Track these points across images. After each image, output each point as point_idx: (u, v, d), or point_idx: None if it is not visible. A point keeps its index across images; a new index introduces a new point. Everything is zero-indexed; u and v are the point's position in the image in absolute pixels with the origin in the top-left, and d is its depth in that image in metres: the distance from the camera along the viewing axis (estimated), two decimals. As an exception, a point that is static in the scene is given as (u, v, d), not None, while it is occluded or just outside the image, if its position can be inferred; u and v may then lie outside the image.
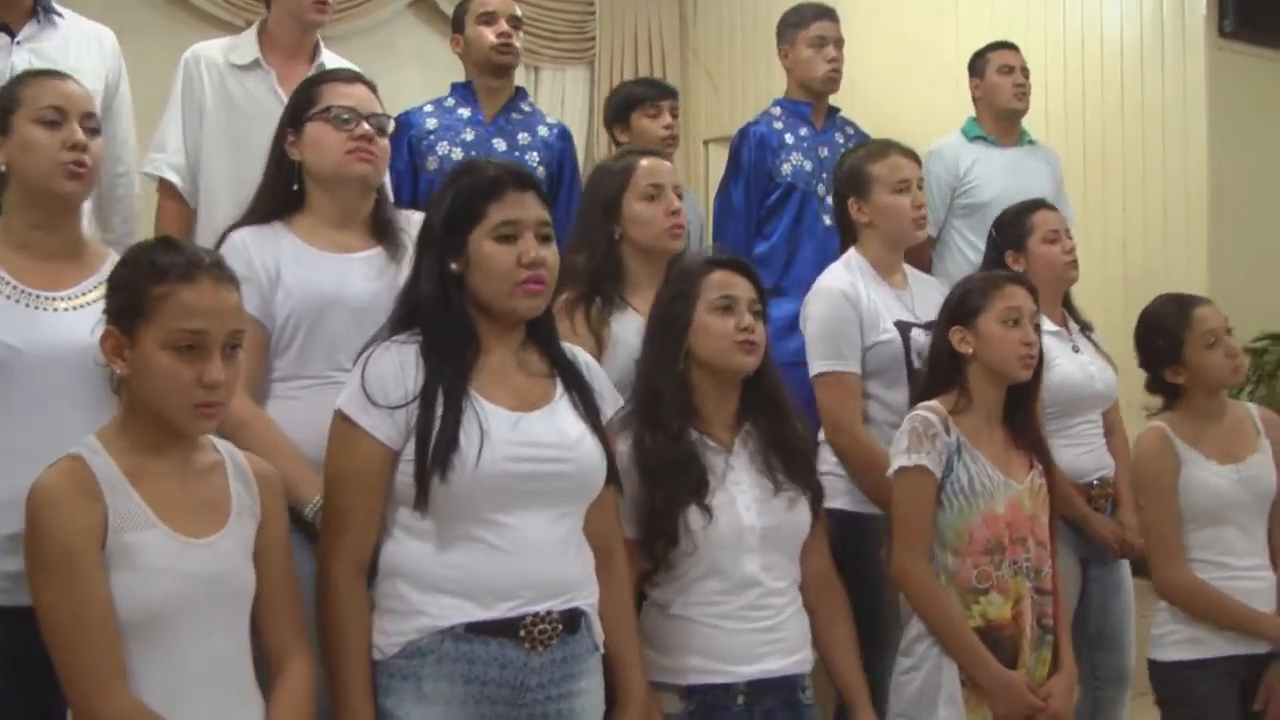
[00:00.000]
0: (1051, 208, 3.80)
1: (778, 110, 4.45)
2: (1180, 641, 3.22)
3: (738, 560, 2.64)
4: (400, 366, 2.32)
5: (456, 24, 4.27)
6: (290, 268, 2.71)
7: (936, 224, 4.51)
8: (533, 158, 4.11)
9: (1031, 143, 4.79)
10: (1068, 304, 3.79)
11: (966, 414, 2.99)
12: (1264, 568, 3.26)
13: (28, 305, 2.46)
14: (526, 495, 2.30)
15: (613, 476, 2.46)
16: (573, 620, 2.34)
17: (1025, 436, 3.03)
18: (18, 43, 3.47)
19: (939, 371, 3.06)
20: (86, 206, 3.55)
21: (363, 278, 2.74)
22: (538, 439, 2.33)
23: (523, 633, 2.28)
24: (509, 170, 2.43)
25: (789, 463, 2.73)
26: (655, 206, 3.17)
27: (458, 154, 4.04)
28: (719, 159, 4.72)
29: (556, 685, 2.31)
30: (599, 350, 3.00)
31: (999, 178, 4.57)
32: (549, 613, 2.30)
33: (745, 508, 2.66)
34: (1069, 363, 3.53)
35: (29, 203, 2.51)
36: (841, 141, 4.44)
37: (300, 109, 2.82)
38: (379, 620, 2.31)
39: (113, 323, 2.14)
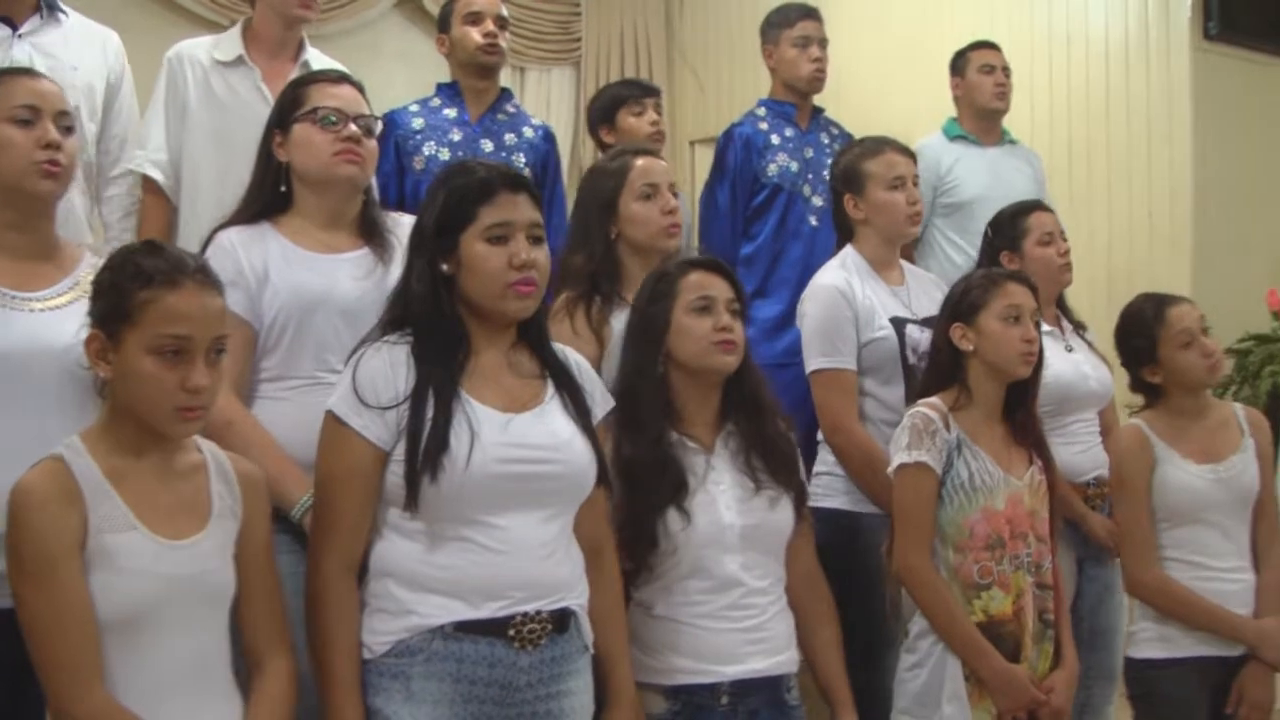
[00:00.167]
0: (1048, 209, 3.81)
1: (763, 111, 4.45)
2: (1151, 639, 3.24)
3: (719, 560, 2.65)
4: (391, 367, 2.33)
5: (442, 24, 4.27)
6: (278, 268, 2.71)
7: None
8: (519, 159, 4.12)
9: (1013, 142, 4.80)
10: (1061, 304, 3.81)
11: (967, 410, 3.01)
12: (1243, 569, 3.25)
13: (2, 306, 2.45)
14: (516, 496, 2.31)
15: (603, 477, 2.46)
16: (562, 620, 2.34)
17: (1025, 433, 3.05)
18: (19, 36, 3.48)
19: (940, 368, 3.08)
20: (82, 205, 3.59)
21: (350, 278, 2.74)
22: (528, 440, 2.33)
23: (512, 632, 2.28)
24: (501, 172, 2.43)
25: (771, 462, 2.74)
26: (651, 205, 3.20)
27: (445, 154, 4.04)
28: (705, 160, 4.73)
29: (545, 685, 2.32)
30: (600, 349, 3.01)
31: (980, 177, 4.58)
32: (538, 613, 2.30)
33: (726, 507, 2.67)
34: (1062, 362, 3.54)
35: (2, 203, 2.50)
36: (826, 142, 4.44)
37: (287, 110, 2.81)
38: (369, 620, 2.32)
39: (97, 326, 2.14)
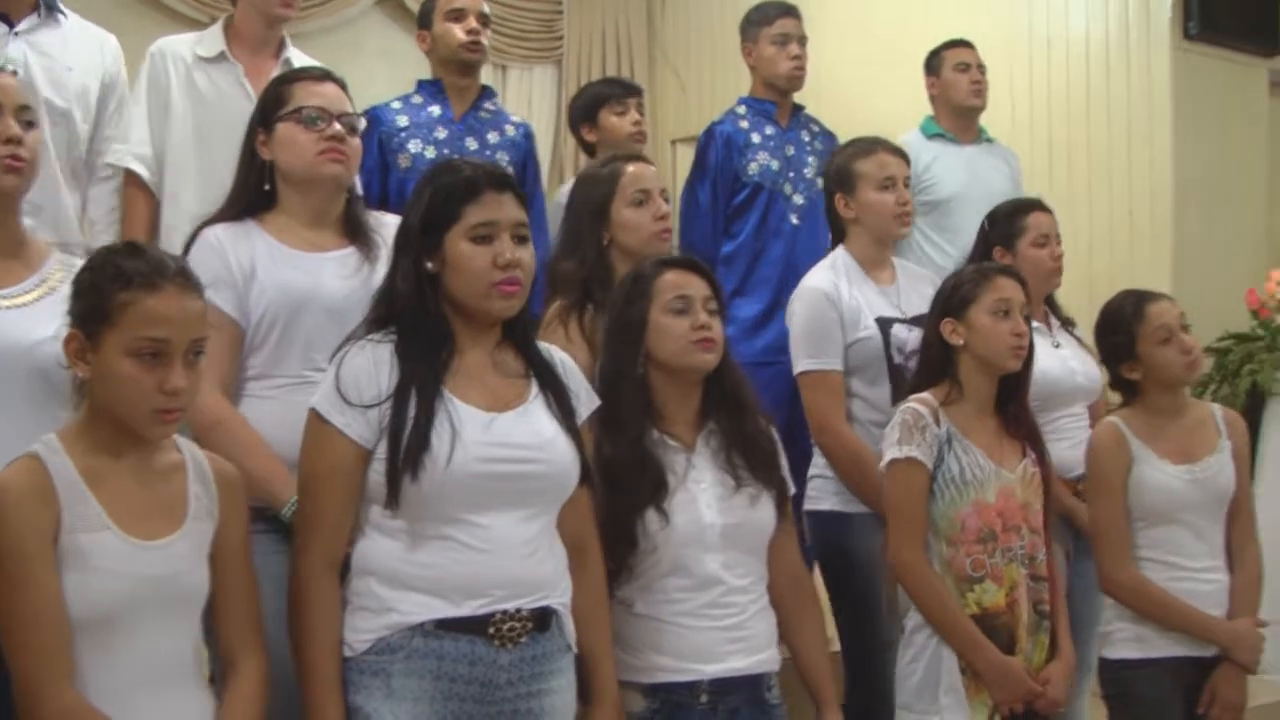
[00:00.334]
0: (1046, 210, 3.82)
1: (743, 109, 4.45)
2: (1126, 640, 3.23)
3: (699, 558, 2.65)
4: (374, 365, 2.33)
5: (423, 21, 4.25)
6: (265, 266, 2.70)
7: None
8: (502, 157, 4.11)
9: (990, 141, 4.81)
10: (1050, 301, 3.83)
11: (958, 405, 3.03)
12: (1217, 569, 3.26)
13: None
14: (498, 495, 2.31)
15: (586, 476, 2.46)
16: (543, 619, 2.34)
17: (1018, 426, 3.07)
18: (15, 34, 3.50)
19: (931, 363, 3.10)
20: (72, 203, 3.59)
21: (337, 277, 2.73)
22: (510, 439, 2.33)
23: (492, 630, 2.28)
24: (486, 171, 2.43)
25: (752, 460, 2.74)
26: (643, 212, 3.22)
27: (431, 152, 4.03)
28: (687, 159, 4.73)
29: (526, 683, 2.32)
30: (593, 357, 3.01)
31: (958, 175, 4.59)
32: (518, 611, 2.30)
33: (706, 506, 2.67)
34: (1048, 358, 3.54)
35: None
36: (807, 140, 4.45)
37: (270, 108, 2.80)
38: (350, 618, 2.31)
39: (76, 326, 2.13)
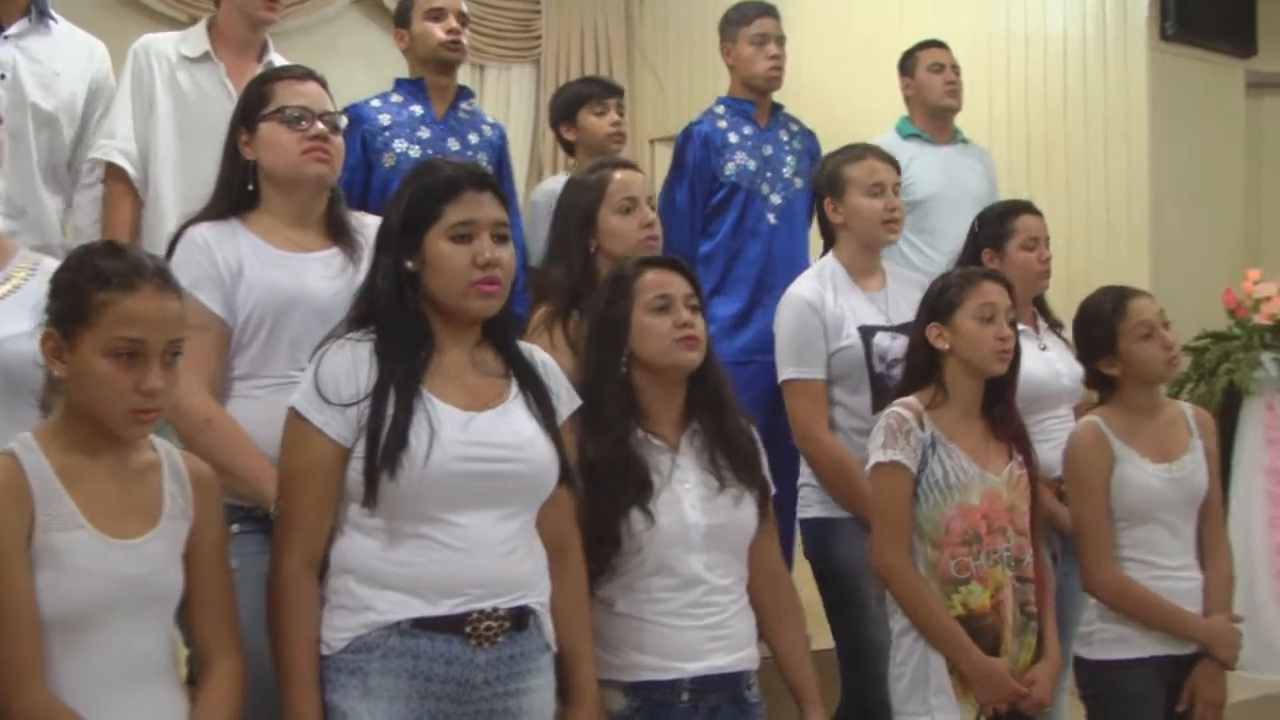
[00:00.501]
0: (1036, 212, 3.83)
1: (721, 109, 4.45)
2: (1108, 640, 3.24)
3: (683, 558, 2.65)
4: (353, 364, 2.32)
5: (401, 19, 4.23)
6: (252, 266, 2.69)
7: None
8: (482, 158, 4.10)
9: (965, 141, 4.82)
10: (1039, 302, 3.85)
11: (944, 408, 3.04)
12: (1192, 568, 3.28)
13: None
14: (476, 494, 2.31)
15: (566, 476, 2.45)
16: (521, 618, 2.34)
17: (1005, 429, 3.08)
18: (5, 37, 3.51)
19: (917, 367, 3.11)
20: (54, 206, 3.58)
21: (322, 277, 2.72)
22: (489, 439, 2.33)
23: (468, 629, 2.28)
24: (467, 171, 2.43)
25: (734, 460, 2.74)
26: (630, 219, 3.23)
27: (415, 152, 4.01)
28: (665, 158, 4.73)
29: (504, 683, 2.31)
30: (577, 362, 3.01)
31: (934, 176, 4.60)
32: (496, 610, 2.30)
33: (691, 506, 2.67)
34: (1034, 360, 3.54)
35: None
36: (785, 139, 4.44)
37: (253, 108, 2.79)
38: (328, 616, 2.31)
39: (53, 325, 2.13)
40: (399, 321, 2.36)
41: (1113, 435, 3.27)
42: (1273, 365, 5.32)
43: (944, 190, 4.53)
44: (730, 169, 4.32)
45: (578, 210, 3.26)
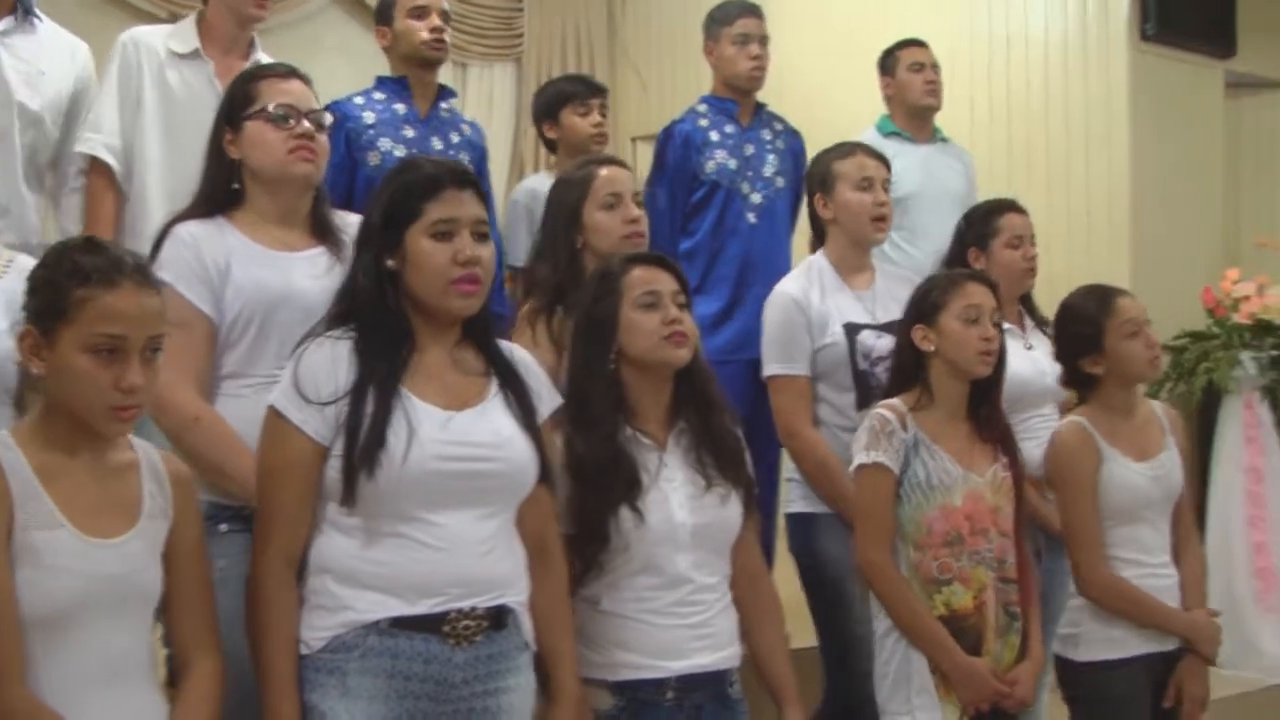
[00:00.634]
0: (1021, 211, 3.85)
1: (704, 107, 4.45)
2: (1098, 641, 3.24)
3: (670, 557, 2.65)
4: (333, 362, 2.32)
5: (382, 17, 4.22)
6: (241, 264, 2.68)
7: None
8: (464, 157, 4.09)
9: (944, 140, 4.82)
10: (1026, 301, 3.86)
11: (929, 410, 3.05)
12: (1170, 564, 3.30)
13: None
14: (454, 493, 2.30)
15: (546, 475, 2.45)
16: (499, 618, 2.33)
17: (991, 430, 3.09)
18: None
19: (903, 369, 3.12)
20: (37, 205, 3.57)
21: (309, 276, 2.71)
22: (468, 438, 2.33)
23: (447, 628, 2.28)
24: (448, 168, 2.43)
25: (720, 459, 2.74)
26: (614, 215, 3.24)
27: (400, 151, 4.00)
28: (647, 157, 4.73)
29: (482, 682, 2.31)
30: (559, 359, 3.01)
31: (914, 174, 4.60)
32: (474, 609, 2.30)
33: (678, 505, 2.67)
34: (1019, 359, 3.54)
35: None
36: (769, 138, 4.44)
37: (237, 106, 2.78)
38: (307, 616, 2.31)
39: (32, 322, 2.12)
40: (379, 320, 2.35)
41: (1098, 435, 3.27)
42: (1251, 364, 5.35)
43: (923, 188, 4.53)
44: (710, 167, 4.32)
45: (564, 207, 3.27)
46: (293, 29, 6.67)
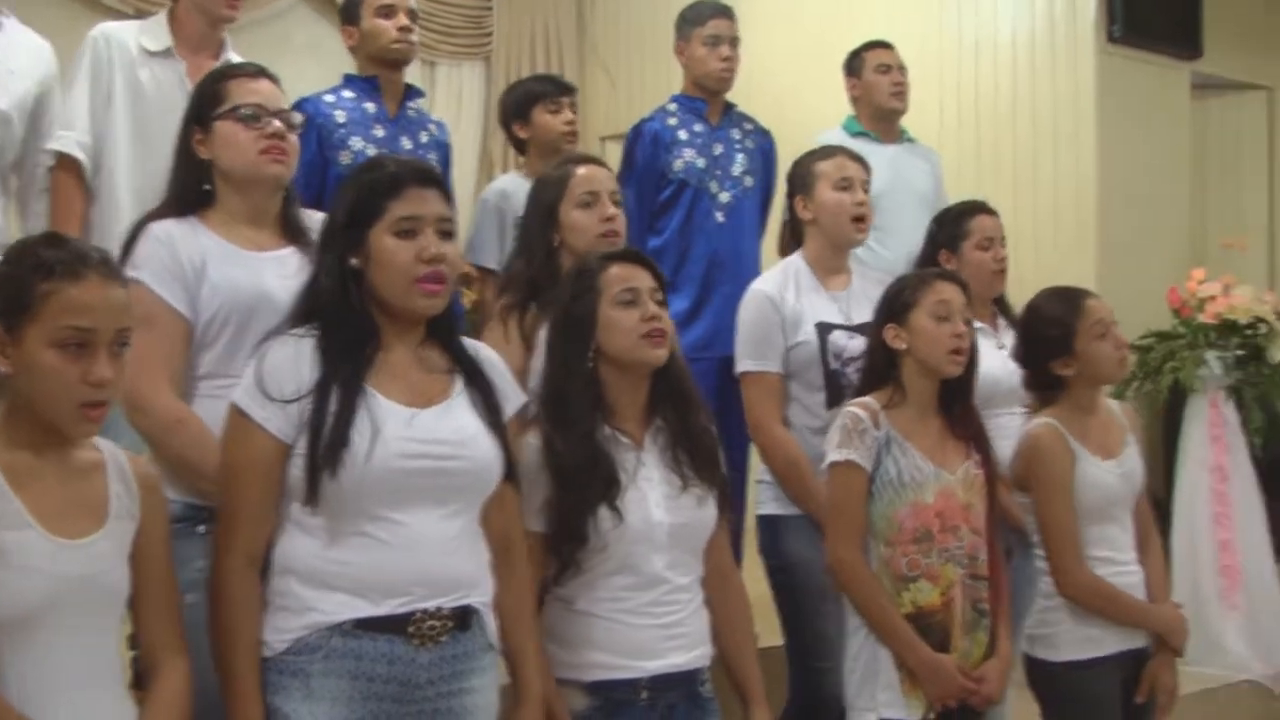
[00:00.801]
0: (992, 212, 3.86)
1: (674, 106, 4.46)
2: (1074, 641, 3.24)
3: (647, 557, 2.64)
4: (296, 360, 2.31)
5: (348, 15, 4.19)
6: (216, 264, 2.67)
7: None
8: (432, 157, 4.09)
9: (911, 140, 4.84)
10: (1000, 301, 3.87)
11: (901, 408, 3.06)
12: (1135, 561, 3.32)
13: None
14: (418, 492, 2.29)
15: (510, 474, 2.45)
16: (464, 618, 2.33)
17: (964, 427, 3.10)
18: None
19: (875, 367, 3.13)
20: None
21: (282, 276, 2.69)
22: (432, 435, 2.32)
23: (411, 629, 2.27)
24: (411, 167, 2.43)
25: (696, 459, 2.73)
26: (590, 214, 3.23)
27: (371, 150, 3.99)
28: (617, 156, 4.73)
29: (447, 683, 2.30)
30: (527, 356, 3.01)
31: (882, 174, 4.59)
32: (439, 610, 2.29)
33: (656, 505, 2.66)
34: (991, 358, 3.54)
35: None
36: (738, 138, 4.45)
37: (206, 106, 2.76)
38: (271, 618, 2.29)
39: None
40: (343, 318, 2.34)
41: (1069, 436, 3.28)
42: (1217, 364, 5.38)
43: (891, 188, 4.54)
44: (678, 165, 4.33)
45: (541, 205, 3.27)
46: (263, 26, 6.65)
